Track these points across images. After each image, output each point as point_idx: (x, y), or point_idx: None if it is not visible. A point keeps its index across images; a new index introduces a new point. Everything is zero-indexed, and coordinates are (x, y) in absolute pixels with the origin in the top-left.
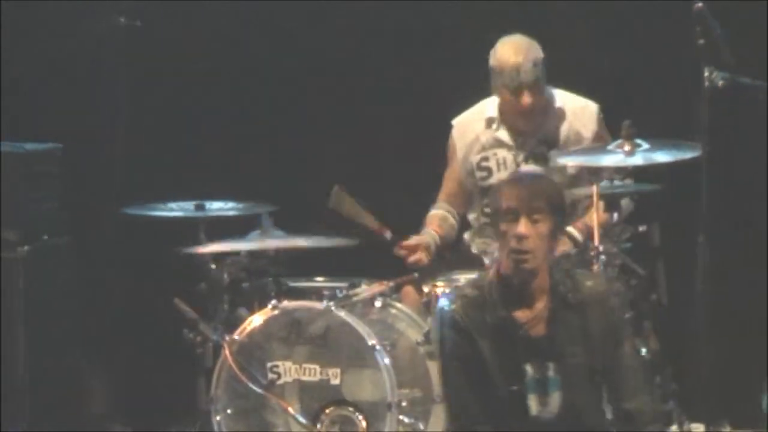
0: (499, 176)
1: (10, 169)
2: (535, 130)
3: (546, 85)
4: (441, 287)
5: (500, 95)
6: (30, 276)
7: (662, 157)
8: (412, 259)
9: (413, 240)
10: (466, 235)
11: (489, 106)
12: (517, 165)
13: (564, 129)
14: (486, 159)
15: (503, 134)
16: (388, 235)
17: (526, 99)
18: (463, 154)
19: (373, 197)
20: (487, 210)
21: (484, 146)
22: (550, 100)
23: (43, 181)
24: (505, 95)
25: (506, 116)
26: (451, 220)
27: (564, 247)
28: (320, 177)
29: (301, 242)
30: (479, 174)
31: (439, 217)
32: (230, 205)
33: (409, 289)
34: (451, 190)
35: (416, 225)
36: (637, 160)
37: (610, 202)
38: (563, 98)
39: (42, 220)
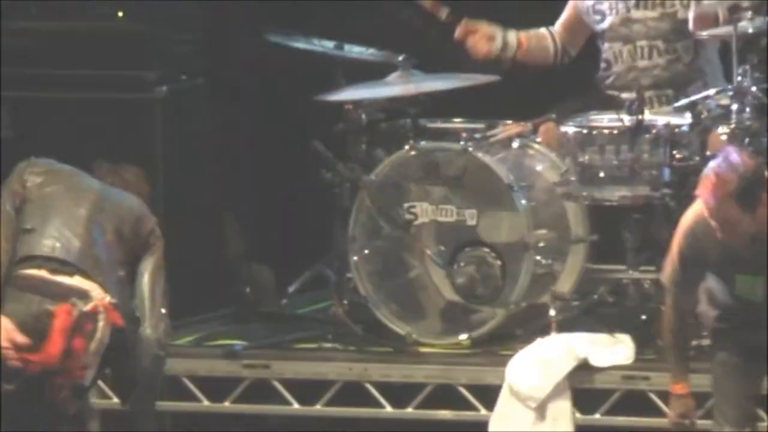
0: (610, 21)
1: (150, 9)
2: None
3: None
4: (578, 127)
5: None
6: (168, 116)
7: None
8: (470, 42)
9: (478, 24)
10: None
11: None
12: (627, 10)
13: None
14: (600, 2)
15: None
16: (443, 14)
17: None
18: None
19: None
20: (606, 57)
21: None
22: None
23: (181, 21)
24: None
25: None
26: (548, 41)
27: None
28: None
29: (438, 83)
30: (594, 17)
31: (535, 32)
32: (370, 51)
33: (546, 130)
34: (564, 20)
35: None
36: None
37: (750, 41)
38: None
39: (180, 60)
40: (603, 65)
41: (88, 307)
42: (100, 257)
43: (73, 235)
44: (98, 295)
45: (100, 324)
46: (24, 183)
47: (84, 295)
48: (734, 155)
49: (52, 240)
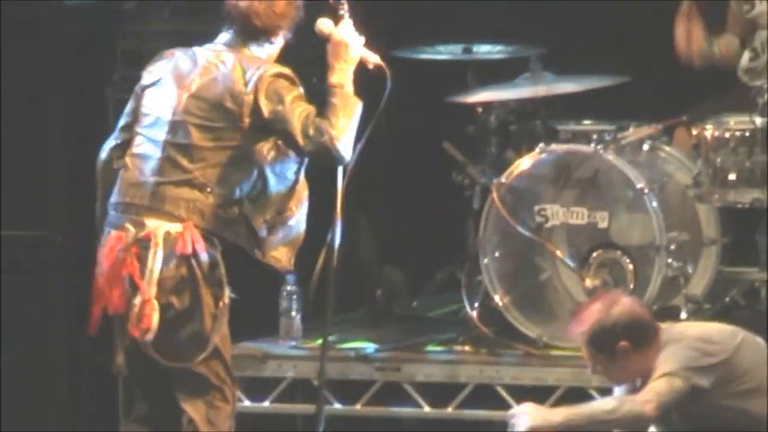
0: (760, 9)
1: None
2: None
3: None
4: (710, 129)
5: None
6: None
7: None
8: (692, 30)
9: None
10: (740, 72)
11: None
12: None
13: None
14: None
15: None
16: None
17: None
18: None
19: None
20: (755, 46)
21: None
22: None
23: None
24: None
25: None
26: (737, 43)
27: None
28: (589, 17)
29: (569, 85)
30: (744, 6)
31: (724, 37)
32: (498, 48)
33: (678, 132)
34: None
35: None
36: None
37: None
38: None
39: (308, 63)
40: (750, 55)
41: (141, 234)
42: None
43: None
44: (153, 225)
45: (151, 251)
46: None
47: (139, 224)
48: (588, 306)
49: None
